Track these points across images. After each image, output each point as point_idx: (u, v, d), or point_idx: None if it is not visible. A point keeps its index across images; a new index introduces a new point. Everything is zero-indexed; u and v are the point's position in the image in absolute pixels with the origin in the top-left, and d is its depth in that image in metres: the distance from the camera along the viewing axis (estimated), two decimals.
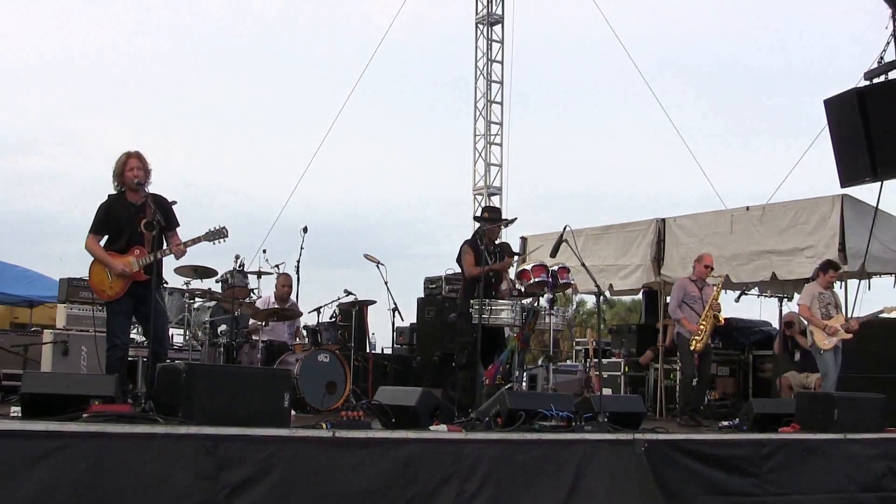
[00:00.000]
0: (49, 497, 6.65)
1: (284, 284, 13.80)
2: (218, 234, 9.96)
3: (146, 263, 9.55)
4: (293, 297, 13.75)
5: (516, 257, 14.10)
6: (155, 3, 69.59)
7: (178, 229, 9.91)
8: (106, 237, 9.71)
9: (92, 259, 9.66)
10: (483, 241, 12.00)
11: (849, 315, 14.19)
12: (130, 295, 9.65)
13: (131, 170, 9.61)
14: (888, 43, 15.19)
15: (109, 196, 9.79)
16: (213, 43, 74.16)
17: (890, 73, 14.99)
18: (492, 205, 23.66)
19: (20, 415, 7.75)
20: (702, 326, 13.31)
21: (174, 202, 9.96)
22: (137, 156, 9.69)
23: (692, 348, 13.29)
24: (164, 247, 9.74)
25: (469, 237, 12.15)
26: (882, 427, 12.00)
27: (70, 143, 74.26)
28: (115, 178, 9.73)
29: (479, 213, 12.35)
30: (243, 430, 7.52)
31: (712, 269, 13.83)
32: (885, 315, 13.75)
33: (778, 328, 16.52)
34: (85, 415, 7.46)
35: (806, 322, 14.08)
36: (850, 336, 13.41)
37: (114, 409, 7.72)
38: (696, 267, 13.83)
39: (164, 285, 13.03)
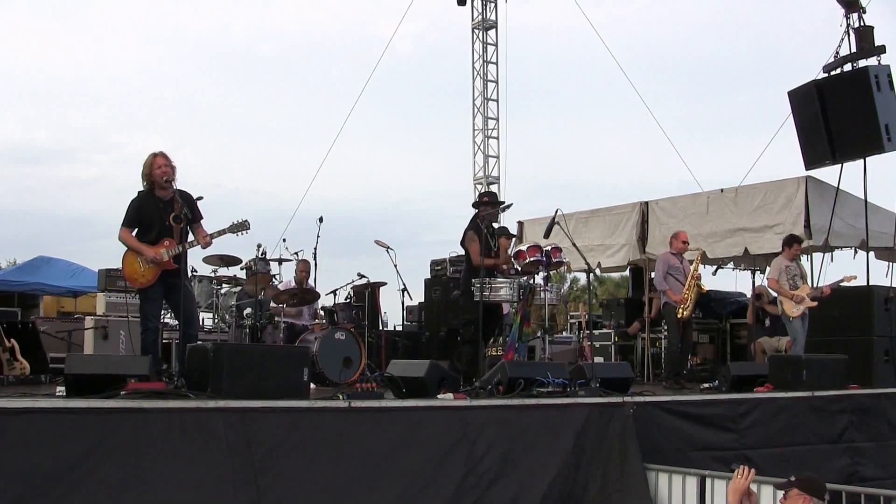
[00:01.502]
0: (96, 465, 6.65)
1: (303, 270, 13.74)
2: (240, 227, 9.91)
3: (175, 254, 9.51)
4: (311, 281, 13.70)
5: (513, 239, 14.01)
6: (183, 28, 69.77)
7: (202, 221, 9.86)
8: (137, 230, 9.66)
9: (125, 251, 9.61)
10: (484, 225, 11.89)
11: (814, 285, 14.19)
12: (161, 282, 9.61)
13: (159, 168, 9.56)
14: (842, 39, 15.27)
15: (139, 193, 9.73)
16: (238, 60, 74.31)
17: (845, 66, 15.02)
18: (489, 191, 23.59)
19: (65, 394, 7.72)
20: (686, 296, 13.24)
21: (200, 198, 9.91)
22: (164, 155, 9.64)
23: (679, 316, 13.21)
24: (191, 238, 9.70)
25: (470, 223, 12.02)
26: (845, 385, 12.06)
27: (110, 151, 74.44)
28: (144, 177, 9.68)
29: (477, 200, 12.19)
30: (267, 402, 7.52)
31: (688, 243, 13.77)
32: (845, 284, 13.73)
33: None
34: (122, 392, 7.43)
35: (775, 293, 14.05)
36: (815, 304, 13.39)
37: (148, 387, 7.70)
38: (674, 243, 13.74)
39: (194, 272, 13.03)
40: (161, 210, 9.59)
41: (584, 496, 8.99)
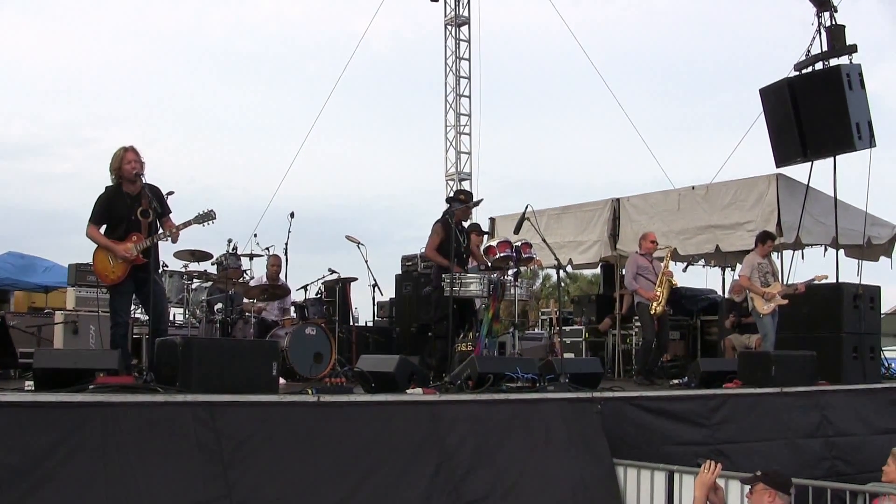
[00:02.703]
0: (63, 460, 6.63)
1: (274, 264, 13.75)
2: (206, 217, 9.86)
3: (144, 248, 9.49)
4: (282, 277, 13.71)
5: (485, 236, 14.02)
6: (159, 23, 69.53)
7: (171, 215, 9.84)
8: (105, 226, 9.64)
9: (95, 247, 9.60)
10: (453, 221, 11.90)
11: (786, 282, 14.28)
12: (131, 278, 9.60)
13: (129, 163, 9.53)
14: (813, 38, 15.35)
15: (107, 188, 9.69)
16: (213, 56, 74.19)
17: (816, 65, 15.13)
18: (465, 188, 23.63)
19: (33, 388, 7.71)
20: (658, 293, 13.32)
21: (171, 193, 9.90)
22: (133, 150, 9.60)
23: (652, 313, 13.29)
24: (160, 231, 9.67)
25: (441, 217, 12.04)
26: (814, 381, 12.16)
27: (85, 146, 74.04)
28: (112, 171, 9.64)
29: (451, 196, 12.22)
30: (236, 396, 7.53)
31: (656, 243, 13.86)
32: (817, 282, 13.82)
33: (722, 295, 16.64)
34: (91, 386, 7.43)
35: (747, 290, 14.13)
36: (786, 302, 13.47)
37: (117, 381, 7.71)
38: (643, 244, 13.85)
39: (165, 268, 13.00)
40: (129, 205, 9.57)
41: (557, 491, 9.04)
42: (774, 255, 14.71)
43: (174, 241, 10.00)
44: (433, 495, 8.22)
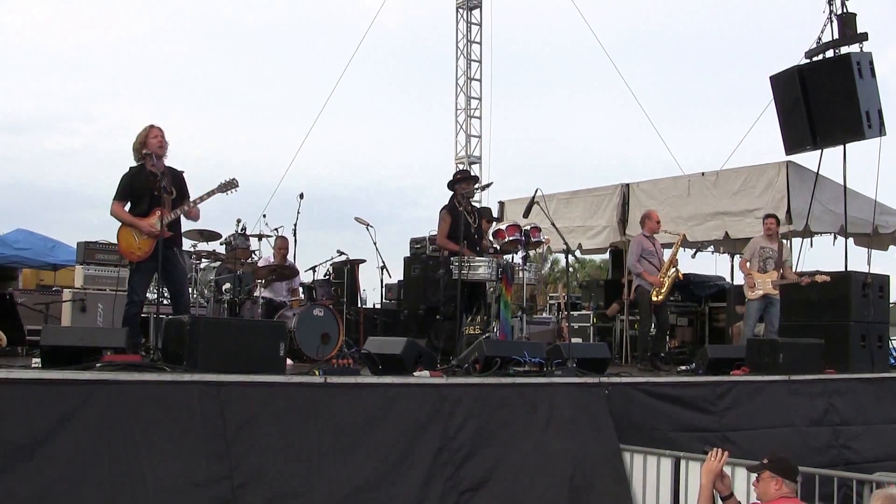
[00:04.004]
0: (68, 437, 6.63)
1: (282, 247, 13.66)
2: (229, 185, 9.88)
3: (168, 221, 9.48)
4: (290, 258, 13.67)
5: (494, 222, 13.95)
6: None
7: (189, 201, 9.85)
8: (129, 204, 9.65)
9: (119, 225, 9.59)
10: (461, 204, 11.80)
11: (794, 270, 14.20)
12: (155, 255, 9.58)
13: (155, 137, 9.60)
14: (825, 25, 15.25)
15: (131, 168, 9.73)
16: (224, 34, 74.10)
17: (827, 53, 15.04)
18: (462, 168, 23.54)
19: (40, 365, 7.69)
20: (662, 279, 13.20)
21: (182, 171, 9.93)
22: (159, 128, 9.67)
23: (654, 299, 13.19)
24: (183, 204, 9.68)
25: (448, 202, 11.93)
26: (821, 369, 12.12)
27: (92, 121, 74.06)
28: (136, 148, 9.67)
29: (451, 180, 12.08)
30: (242, 376, 7.50)
31: (660, 223, 13.76)
32: (817, 281, 13.67)
33: (730, 282, 16.61)
34: (98, 364, 7.41)
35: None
36: (776, 292, 13.39)
37: (125, 359, 7.69)
38: (648, 223, 13.68)
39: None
40: (152, 182, 9.56)
41: (558, 475, 9.01)
42: (784, 242, 14.60)
43: (195, 219, 10.00)
44: (433, 478, 8.22)
